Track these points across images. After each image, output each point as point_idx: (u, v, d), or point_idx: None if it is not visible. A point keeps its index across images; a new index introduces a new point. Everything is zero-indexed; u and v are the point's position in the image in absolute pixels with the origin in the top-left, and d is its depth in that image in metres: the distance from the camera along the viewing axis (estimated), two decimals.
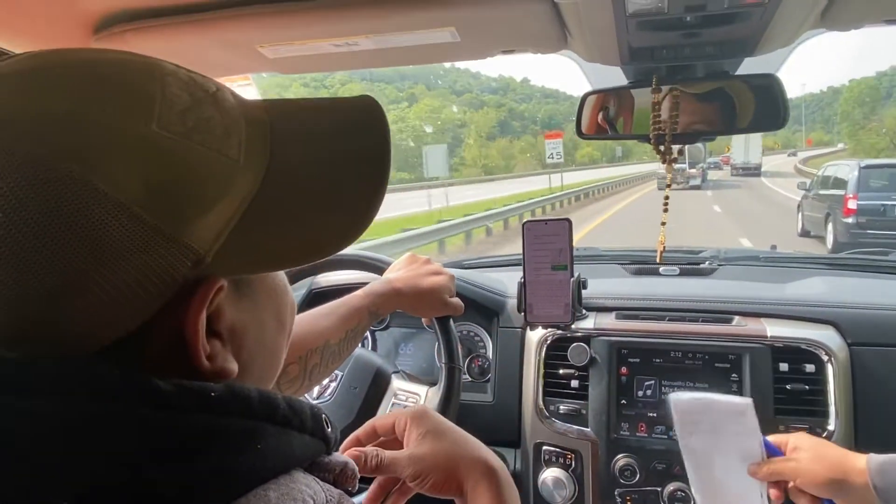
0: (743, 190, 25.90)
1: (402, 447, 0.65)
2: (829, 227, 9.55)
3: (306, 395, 1.13)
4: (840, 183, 9.47)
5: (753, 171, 36.72)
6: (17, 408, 0.34)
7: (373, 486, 0.68)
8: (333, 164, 0.44)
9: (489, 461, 0.64)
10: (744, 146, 36.78)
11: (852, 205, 8.81)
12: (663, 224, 1.34)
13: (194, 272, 0.37)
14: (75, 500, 0.33)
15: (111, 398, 0.35)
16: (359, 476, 0.51)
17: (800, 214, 11.61)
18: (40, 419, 0.34)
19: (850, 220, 8.80)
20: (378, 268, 1.13)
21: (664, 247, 1.48)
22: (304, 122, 0.45)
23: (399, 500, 0.68)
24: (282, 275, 0.50)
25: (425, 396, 1.14)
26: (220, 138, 0.39)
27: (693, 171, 26.99)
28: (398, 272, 1.04)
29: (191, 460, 0.36)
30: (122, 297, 0.35)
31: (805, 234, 11.08)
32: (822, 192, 10.25)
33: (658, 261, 1.48)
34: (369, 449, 0.63)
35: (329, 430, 0.47)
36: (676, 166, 1.14)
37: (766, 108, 0.97)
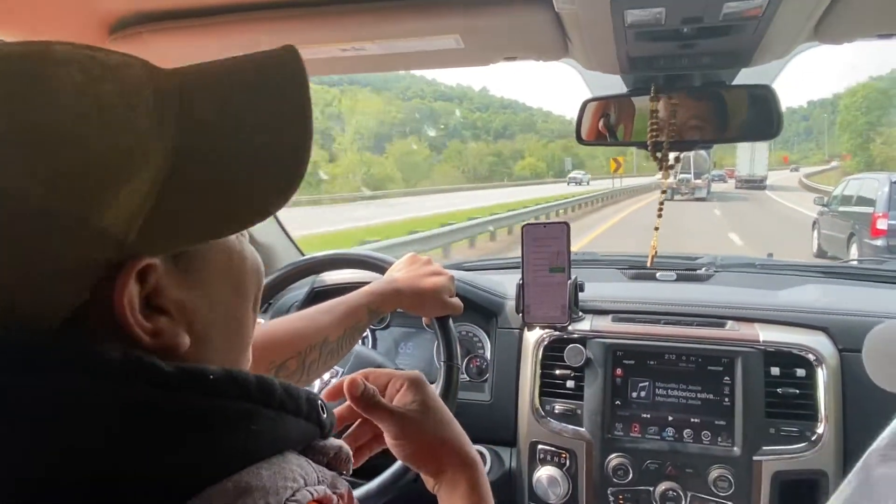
0: (750, 203, 24.51)
1: None
2: (853, 248, 8.41)
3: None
4: (866, 200, 8.36)
5: (759, 183, 35.60)
6: (13, 383, 0.35)
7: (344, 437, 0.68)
8: (251, 131, 0.42)
9: (473, 455, 0.65)
10: (749, 158, 35.66)
11: (882, 224, 7.71)
12: (656, 229, 1.37)
13: (119, 254, 0.37)
14: (78, 475, 0.35)
15: (114, 377, 0.36)
16: (352, 460, 0.52)
17: (815, 232, 10.37)
18: (41, 395, 0.35)
19: (878, 241, 7.73)
20: (380, 267, 1.15)
21: (656, 251, 1.50)
22: (220, 88, 0.43)
23: (370, 448, 0.69)
24: (235, 241, 0.48)
25: None
26: (121, 115, 0.37)
27: (699, 181, 25.80)
28: (399, 272, 1.05)
29: (188, 439, 0.37)
30: (49, 285, 0.36)
31: (822, 254, 9.93)
32: (843, 209, 9.10)
33: (649, 265, 1.50)
34: (370, 385, 0.63)
35: (325, 415, 0.48)
36: (681, 176, 1.16)
37: (761, 117, 1.00)
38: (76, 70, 0.37)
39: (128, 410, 0.36)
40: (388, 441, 0.64)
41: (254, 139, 0.42)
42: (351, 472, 0.52)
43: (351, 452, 0.52)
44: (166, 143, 0.39)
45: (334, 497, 0.42)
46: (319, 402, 0.48)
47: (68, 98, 0.36)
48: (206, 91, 0.42)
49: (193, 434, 0.38)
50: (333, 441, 0.50)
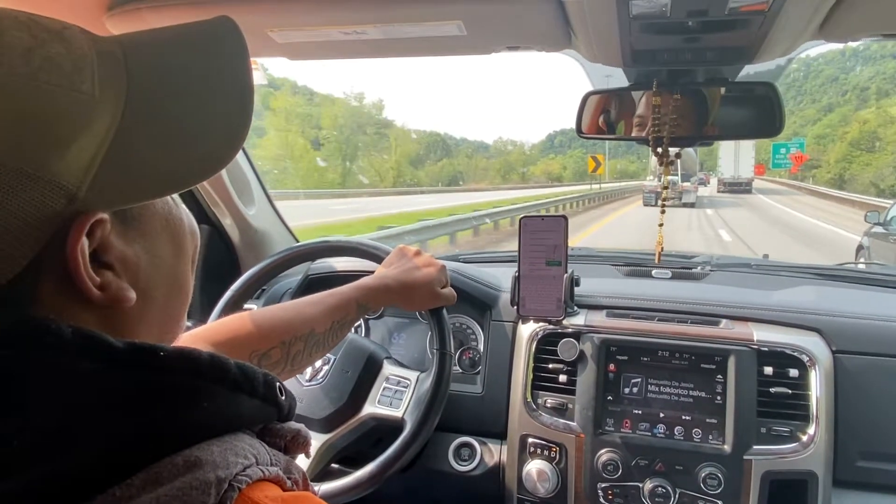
0: (751, 212, 20.88)
1: None
2: None
3: (297, 376, 1.14)
4: None
5: (744, 187, 33.85)
6: None
7: None
8: (192, 94, 0.44)
9: None
10: (734, 159, 33.96)
11: None
12: (661, 226, 1.37)
13: (70, 208, 0.38)
14: (23, 452, 0.34)
15: (63, 352, 0.36)
16: (311, 443, 0.53)
17: (861, 260, 7.42)
18: None
19: None
20: (376, 256, 1.14)
21: (662, 247, 1.50)
22: (160, 53, 0.45)
23: None
24: (171, 203, 0.50)
25: (416, 381, 1.15)
26: (69, 75, 0.39)
27: (687, 184, 23.32)
28: (388, 268, 1.05)
29: (137, 414, 0.38)
30: (3, 239, 0.36)
31: None
32: None
33: (657, 262, 1.50)
34: None
35: (283, 397, 0.49)
36: (667, 177, 1.17)
37: (763, 114, 0.99)
38: (25, 34, 0.38)
39: (78, 384, 0.37)
40: None
41: (196, 96, 0.44)
42: (311, 455, 0.52)
43: (309, 436, 0.52)
44: (113, 105, 0.40)
45: (288, 481, 0.43)
46: (278, 384, 0.49)
47: (15, 58, 0.37)
48: (147, 60, 0.44)
49: (143, 408, 0.38)
50: (292, 424, 0.51)
